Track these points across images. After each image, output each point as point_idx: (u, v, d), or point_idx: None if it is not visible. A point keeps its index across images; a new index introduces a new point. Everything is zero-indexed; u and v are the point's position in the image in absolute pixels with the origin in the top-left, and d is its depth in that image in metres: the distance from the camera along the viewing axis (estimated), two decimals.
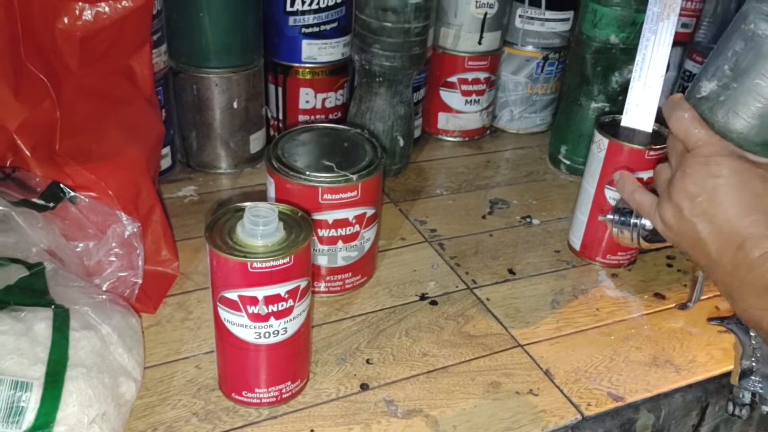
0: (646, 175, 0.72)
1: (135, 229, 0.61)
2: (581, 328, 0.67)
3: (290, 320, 0.53)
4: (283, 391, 0.56)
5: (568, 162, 0.96)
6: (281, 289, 0.51)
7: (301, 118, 0.91)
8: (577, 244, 0.79)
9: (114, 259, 0.61)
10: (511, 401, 0.58)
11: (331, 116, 0.92)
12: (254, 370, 0.54)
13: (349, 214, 0.65)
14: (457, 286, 0.72)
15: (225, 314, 0.52)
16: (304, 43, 0.86)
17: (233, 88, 0.84)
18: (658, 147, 0.71)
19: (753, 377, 0.57)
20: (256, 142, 0.90)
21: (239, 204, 0.54)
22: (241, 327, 0.52)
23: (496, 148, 1.04)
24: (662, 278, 0.76)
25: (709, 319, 0.62)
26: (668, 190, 0.50)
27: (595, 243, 0.77)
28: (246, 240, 0.51)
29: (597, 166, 0.74)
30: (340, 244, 0.66)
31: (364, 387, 0.59)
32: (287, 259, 0.50)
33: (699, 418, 0.65)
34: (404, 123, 0.89)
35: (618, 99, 0.90)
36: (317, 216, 0.64)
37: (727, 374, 0.64)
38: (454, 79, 0.99)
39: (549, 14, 0.99)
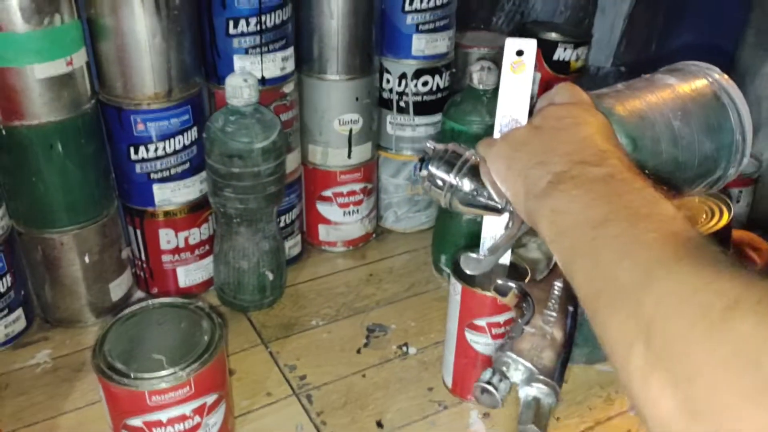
0: (502, 318, 0.70)
1: None
2: None
3: None
4: None
5: (449, 270, 0.94)
6: None
7: (165, 258, 0.87)
8: (448, 382, 0.76)
9: None
10: None
11: (197, 251, 0.88)
12: None
13: (186, 409, 0.61)
14: None
15: None
16: (156, 187, 0.82)
17: (82, 244, 0.80)
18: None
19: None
20: (118, 288, 0.86)
21: None
22: None
23: (381, 255, 1.01)
24: None
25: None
26: None
27: (465, 382, 0.75)
28: None
29: (455, 309, 0.72)
30: None
31: None
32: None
33: None
34: (271, 257, 0.86)
35: None
36: (148, 417, 0.60)
37: None
38: (328, 193, 0.96)
39: (418, 119, 0.97)
